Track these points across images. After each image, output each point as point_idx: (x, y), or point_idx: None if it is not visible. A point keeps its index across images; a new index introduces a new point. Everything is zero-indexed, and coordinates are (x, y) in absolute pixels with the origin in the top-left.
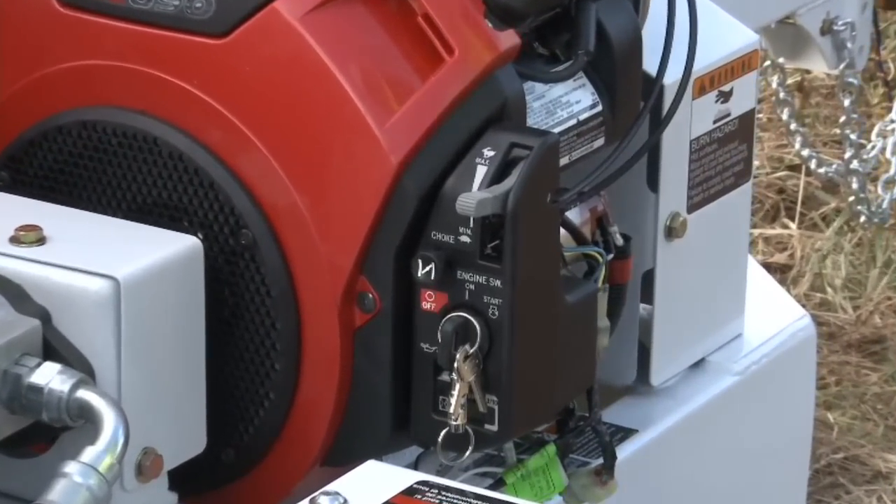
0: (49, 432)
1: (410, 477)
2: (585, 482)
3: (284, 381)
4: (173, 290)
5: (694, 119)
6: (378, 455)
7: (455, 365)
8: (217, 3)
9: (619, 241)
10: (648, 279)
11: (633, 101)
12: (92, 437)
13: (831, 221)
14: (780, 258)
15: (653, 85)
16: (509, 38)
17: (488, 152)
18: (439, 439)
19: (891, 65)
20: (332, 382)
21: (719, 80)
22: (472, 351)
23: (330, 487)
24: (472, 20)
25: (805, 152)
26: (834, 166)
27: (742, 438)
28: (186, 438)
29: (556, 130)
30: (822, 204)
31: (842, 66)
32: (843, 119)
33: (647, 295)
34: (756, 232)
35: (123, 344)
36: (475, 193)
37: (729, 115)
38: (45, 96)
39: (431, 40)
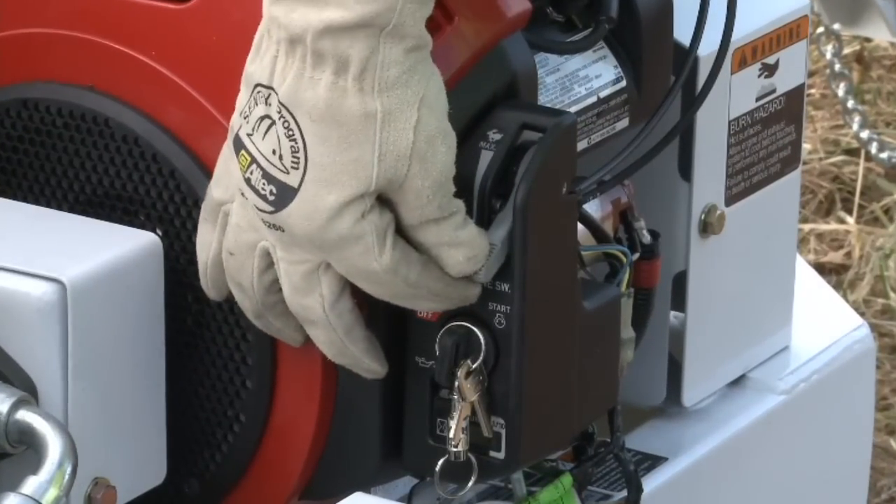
0: None
1: None
2: None
3: (257, 401)
4: (128, 294)
5: (733, 96)
6: (366, 487)
7: (455, 382)
8: None
9: (646, 238)
10: (680, 283)
11: (662, 75)
12: (34, 465)
13: (895, 215)
14: (834, 258)
15: (685, 57)
16: (519, 3)
17: (494, 135)
18: (437, 468)
19: None
20: (312, 402)
21: (763, 50)
22: (475, 366)
23: None
24: None
25: (864, 134)
26: None
27: (788, 468)
28: (144, 467)
29: (573, 109)
30: (884, 194)
31: None
32: None
33: (679, 301)
34: (807, 227)
35: (70, 357)
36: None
37: (774, 91)
38: None
39: None
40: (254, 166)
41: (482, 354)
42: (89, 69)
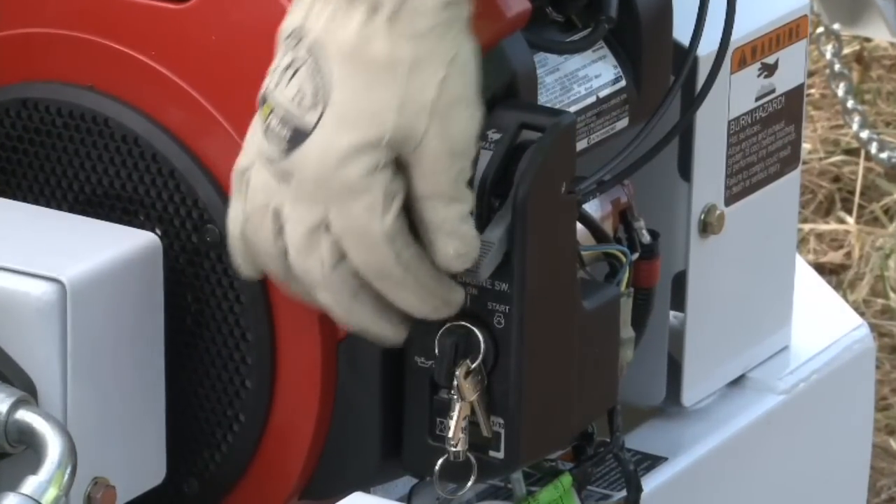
0: None
1: None
2: None
3: (256, 401)
4: (128, 294)
5: (733, 96)
6: (365, 486)
7: (455, 382)
8: None
9: (646, 238)
10: (679, 282)
11: (661, 75)
12: (34, 465)
13: (895, 215)
14: (834, 257)
15: (685, 56)
16: (518, 3)
17: (493, 135)
18: (436, 468)
19: None
20: (311, 402)
21: (763, 50)
22: (474, 366)
23: None
24: None
25: (864, 134)
26: None
27: (788, 468)
28: (143, 467)
29: (573, 109)
30: (884, 194)
31: None
32: None
33: (678, 301)
34: (806, 227)
35: (70, 357)
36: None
37: (774, 91)
38: None
39: None
40: (273, 114)
41: (481, 354)
42: (89, 69)
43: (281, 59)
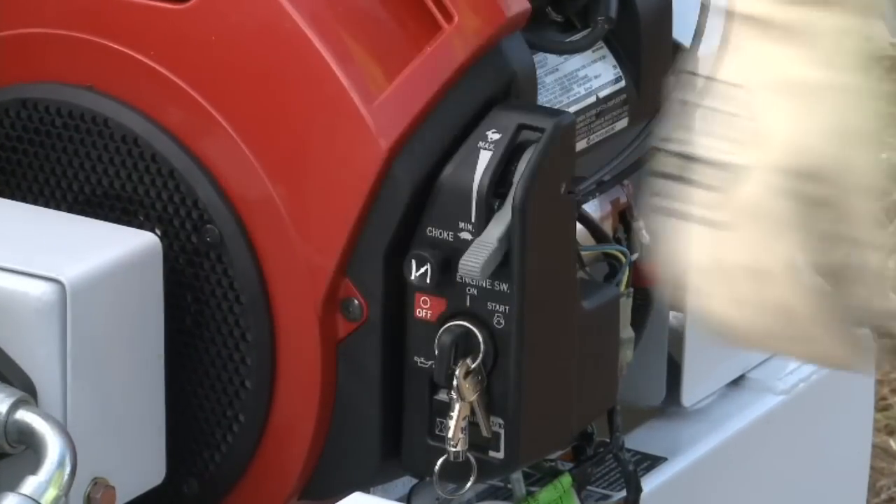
0: None
1: None
2: None
3: (256, 402)
4: (127, 295)
5: None
6: (365, 487)
7: (454, 382)
8: None
9: (646, 238)
10: None
11: (661, 75)
12: (34, 465)
13: (895, 215)
14: None
15: (685, 57)
16: (518, 3)
17: (493, 135)
18: (436, 468)
19: None
20: (311, 403)
21: None
22: (474, 366)
23: None
24: None
25: None
26: None
27: (788, 468)
28: (143, 467)
29: (572, 109)
30: (884, 194)
31: None
32: None
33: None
34: None
35: (70, 357)
36: (476, 249)
37: None
38: None
39: (427, 5)
40: (703, 169)
41: (481, 354)
42: (88, 69)
43: (707, 112)
